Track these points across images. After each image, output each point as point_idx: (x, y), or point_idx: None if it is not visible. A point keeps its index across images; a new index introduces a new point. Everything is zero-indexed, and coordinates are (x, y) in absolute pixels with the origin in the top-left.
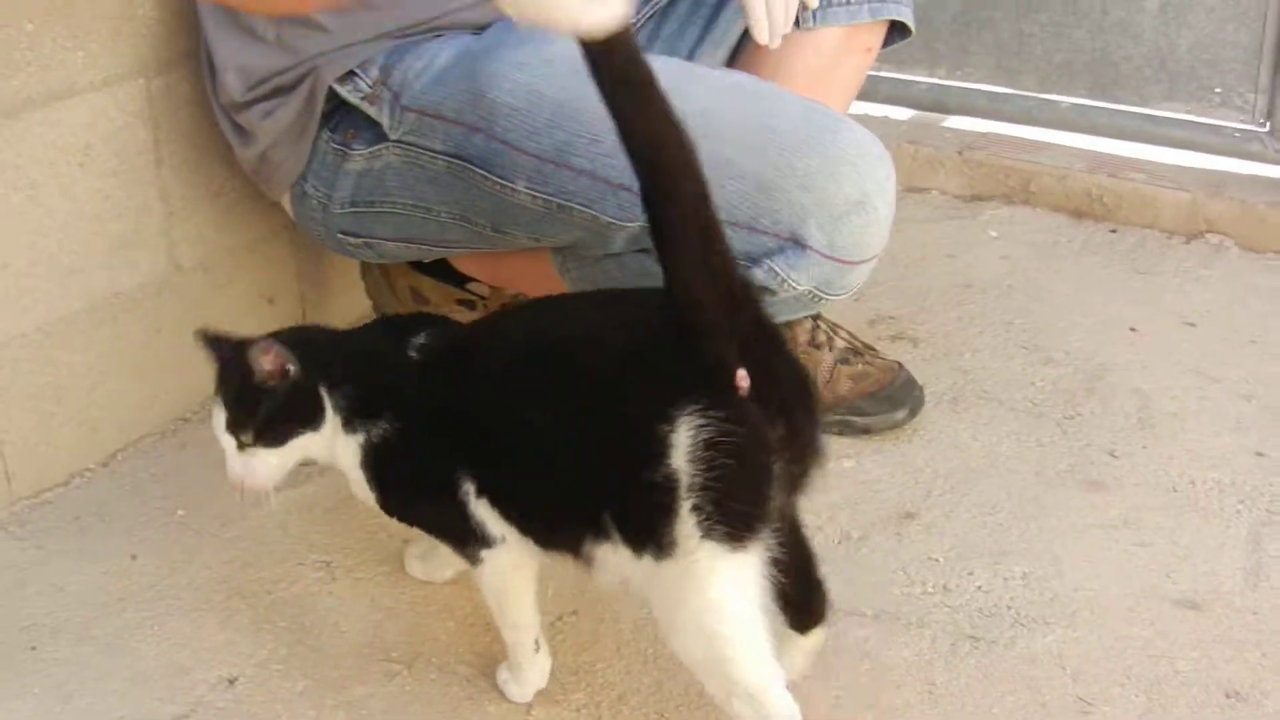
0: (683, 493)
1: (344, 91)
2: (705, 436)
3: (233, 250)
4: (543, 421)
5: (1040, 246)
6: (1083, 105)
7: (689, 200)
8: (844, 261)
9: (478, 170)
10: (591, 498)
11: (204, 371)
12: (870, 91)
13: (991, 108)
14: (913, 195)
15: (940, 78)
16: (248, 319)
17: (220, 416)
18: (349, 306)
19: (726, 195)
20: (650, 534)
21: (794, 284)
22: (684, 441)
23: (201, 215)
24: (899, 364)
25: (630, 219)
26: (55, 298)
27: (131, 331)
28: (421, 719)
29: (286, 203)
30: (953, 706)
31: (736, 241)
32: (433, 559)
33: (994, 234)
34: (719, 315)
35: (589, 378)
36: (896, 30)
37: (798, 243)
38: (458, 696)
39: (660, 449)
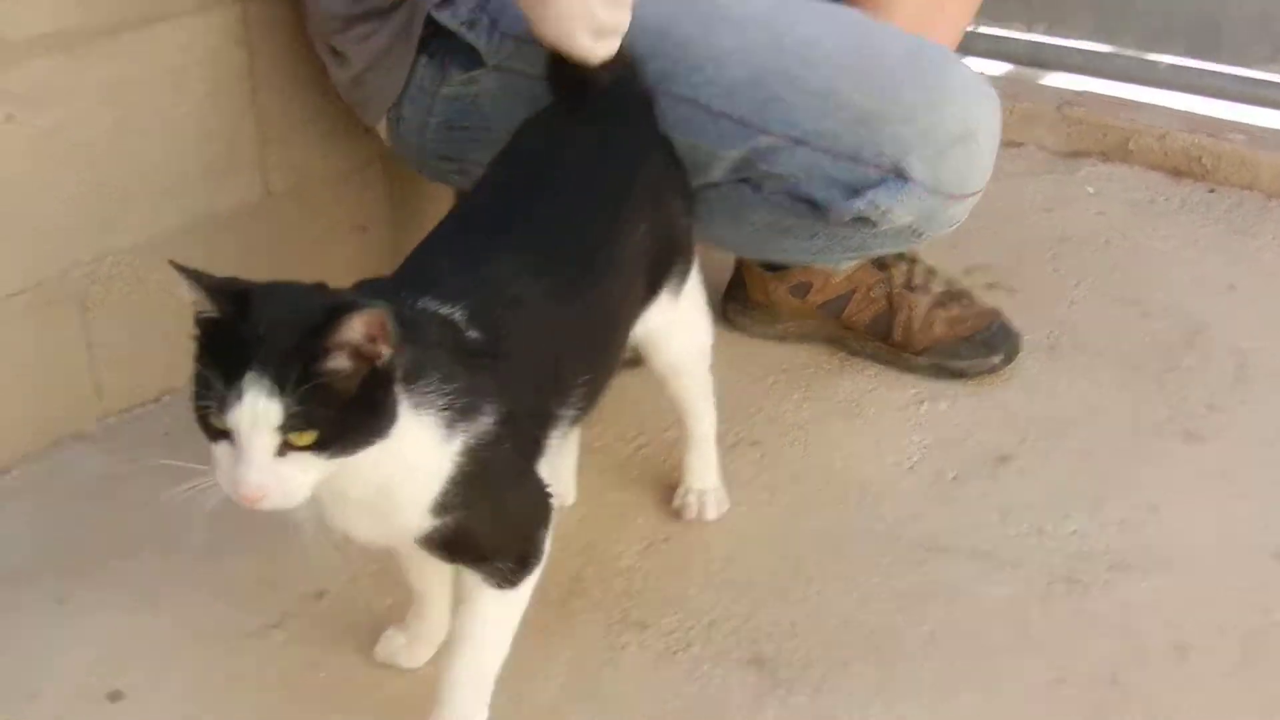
0: None
1: (442, 17)
2: None
3: (326, 178)
4: None
5: (1138, 204)
6: (1182, 66)
7: None
8: (947, 195)
9: None
10: None
11: None
12: (967, 46)
13: (1090, 65)
14: (1010, 149)
15: (1040, 34)
16: (340, 247)
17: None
18: None
19: (829, 125)
20: None
21: (895, 217)
22: None
23: (296, 141)
24: (996, 310)
25: (730, 147)
26: (149, 218)
27: (224, 254)
28: None
29: (381, 128)
30: (1047, 647)
31: (838, 172)
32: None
33: (1091, 190)
34: None
35: None
36: None
37: (900, 175)
38: (545, 613)
39: None
